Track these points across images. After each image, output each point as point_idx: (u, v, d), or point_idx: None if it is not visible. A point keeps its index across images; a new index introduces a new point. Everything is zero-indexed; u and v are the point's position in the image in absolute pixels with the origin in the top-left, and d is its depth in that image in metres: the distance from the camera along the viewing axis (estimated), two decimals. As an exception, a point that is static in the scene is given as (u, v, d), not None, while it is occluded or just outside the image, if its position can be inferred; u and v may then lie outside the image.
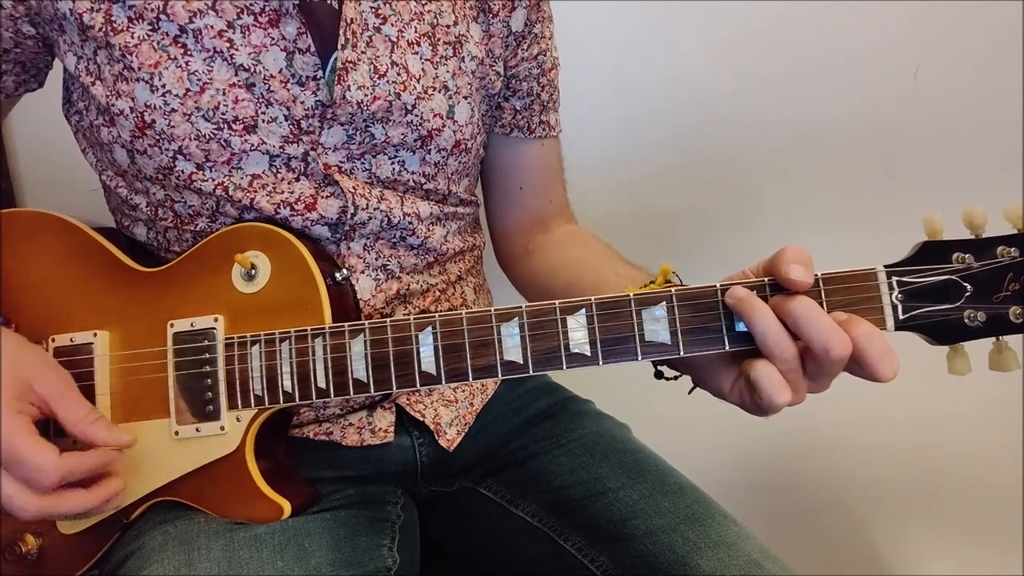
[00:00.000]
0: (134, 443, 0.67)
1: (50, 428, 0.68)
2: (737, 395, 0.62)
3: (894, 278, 0.58)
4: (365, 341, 0.65)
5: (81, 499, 0.63)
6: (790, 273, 0.57)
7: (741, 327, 0.60)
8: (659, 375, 0.68)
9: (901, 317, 0.58)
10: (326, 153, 0.72)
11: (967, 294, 0.57)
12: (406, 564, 0.74)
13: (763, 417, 0.61)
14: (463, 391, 0.86)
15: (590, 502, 0.79)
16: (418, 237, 0.78)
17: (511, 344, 0.62)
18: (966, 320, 0.57)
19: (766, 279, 0.59)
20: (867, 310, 0.58)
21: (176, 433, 0.68)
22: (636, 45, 1.32)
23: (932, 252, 0.58)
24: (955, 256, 0.57)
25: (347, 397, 0.66)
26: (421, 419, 0.81)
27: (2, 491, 0.60)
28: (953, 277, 0.57)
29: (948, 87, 1.31)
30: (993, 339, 0.58)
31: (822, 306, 0.58)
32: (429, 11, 0.77)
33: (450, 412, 0.84)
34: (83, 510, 0.63)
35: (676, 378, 0.68)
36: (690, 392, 0.66)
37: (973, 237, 0.57)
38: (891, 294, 0.58)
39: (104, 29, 0.68)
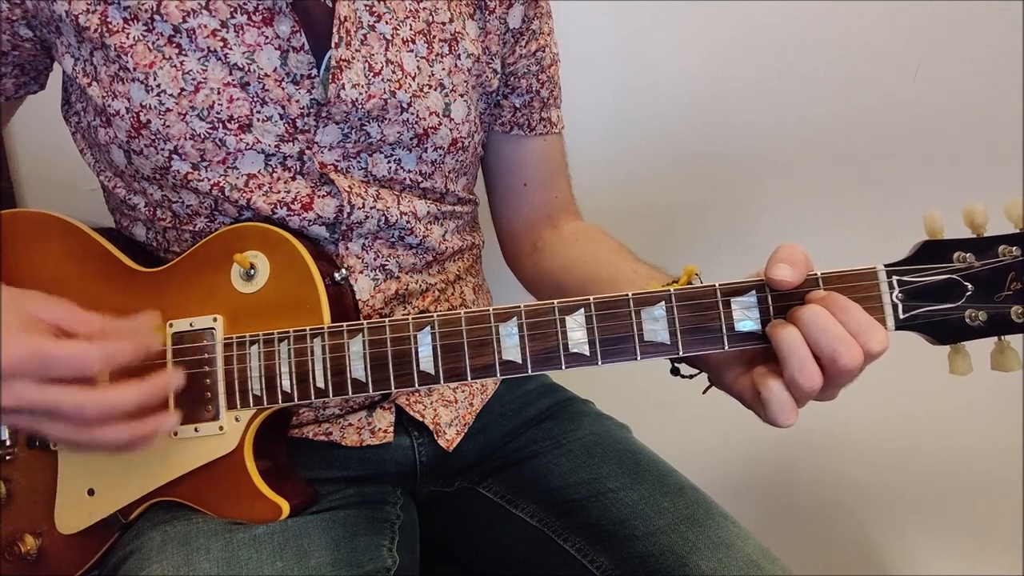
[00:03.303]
0: (159, 320, 0.65)
1: None
2: (738, 390, 0.62)
3: (894, 277, 0.58)
4: (363, 341, 0.65)
5: (132, 389, 0.60)
6: (772, 272, 0.57)
7: (741, 327, 0.59)
8: (675, 371, 0.68)
9: (902, 317, 0.58)
10: (322, 152, 0.72)
11: (968, 293, 0.57)
12: (406, 564, 0.74)
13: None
14: (463, 391, 0.86)
15: (590, 502, 0.79)
16: (416, 236, 0.78)
17: (510, 344, 0.62)
18: (967, 320, 0.57)
19: (763, 278, 0.59)
20: (867, 310, 0.57)
21: (175, 433, 0.67)
22: (637, 43, 1.32)
23: (933, 251, 0.57)
24: (956, 255, 0.57)
25: (346, 397, 0.66)
26: (420, 419, 0.81)
27: (59, 401, 0.57)
28: (954, 276, 0.57)
29: (949, 86, 1.31)
30: (995, 339, 0.57)
31: (821, 305, 0.57)
32: (424, 8, 0.76)
33: (450, 412, 0.84)
34: (138, 398, 0.59)
35: (692, 376, 0.67)
36: (704, 391, 0.66)
37: (974, 236, 0.57)
38: (891, 293, 0.58)
39: (100, 30, 0.68)
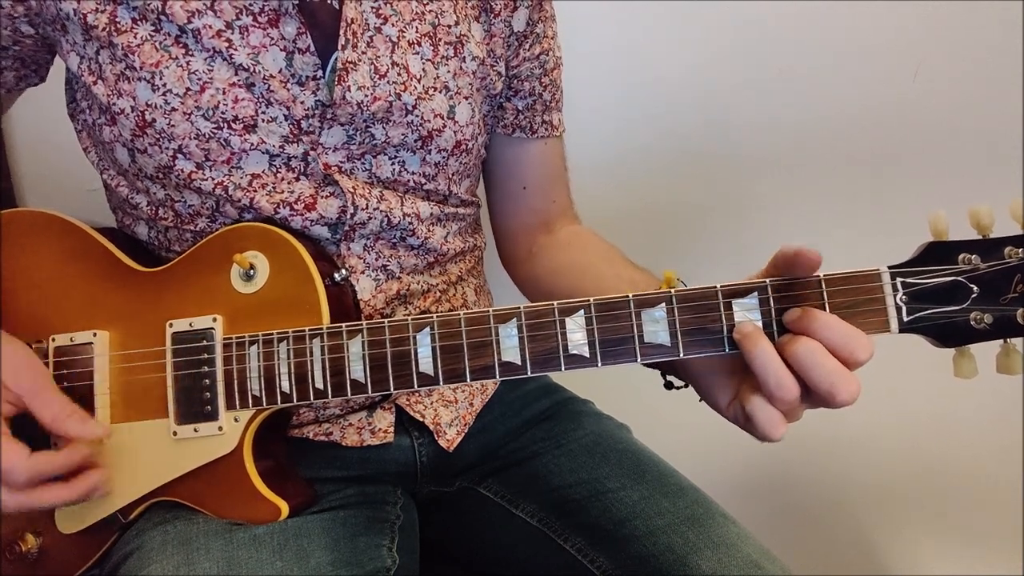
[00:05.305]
0: (108, 435, 0.67)
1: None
2: (732, 415, 0.62)
3: (898, 279, 0.57)
4: (363, 342, 0.64)
5: (59, 493, 0.63)
6: (798, 248, 0.55)
7: (742, 328, 0.59)
8: (669, 386, 0.68)
9: (906, 319, 0.57)
10: (326, 153, 0.72)
11: (973, 295, 0.56)
12: (406, 564, 0.73)
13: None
14: (463, 391, 0.86)
15: (590, 503, 0.79)
16: (418, 237, 0.78)
17: (509, 345, 0.62)
18: (972, 322, 0.56)
19: (768, 280, 0.59)
20: (871, 312, 0.57)
21: (174, 433, 0.67)
22: (637, 43, 1.32)
23: (937, 253, 0.57)
24: (961, 257, 0.56)
25: (345, 398, 0.66)
26: (421, 419, 0.81)
27: None
28: (959, 278, 0.56)
29: (949, 86, 1.31)
30: (1000, 341, 0.57)
31: (824, 307, 0.57)
32: (430, 11, 0.76)
33: (450, 412, 0.83)
34: (62, 503, 0.64)
35: (686, 386, 0.67)
36: (700, 400, 0.66)
37: (980, 237, 0.56)
38: (895, 295, 0.57)
39: (108, 29, 0.68)
